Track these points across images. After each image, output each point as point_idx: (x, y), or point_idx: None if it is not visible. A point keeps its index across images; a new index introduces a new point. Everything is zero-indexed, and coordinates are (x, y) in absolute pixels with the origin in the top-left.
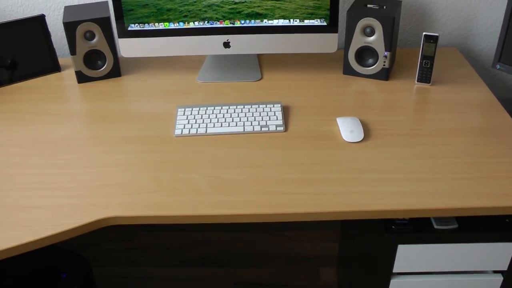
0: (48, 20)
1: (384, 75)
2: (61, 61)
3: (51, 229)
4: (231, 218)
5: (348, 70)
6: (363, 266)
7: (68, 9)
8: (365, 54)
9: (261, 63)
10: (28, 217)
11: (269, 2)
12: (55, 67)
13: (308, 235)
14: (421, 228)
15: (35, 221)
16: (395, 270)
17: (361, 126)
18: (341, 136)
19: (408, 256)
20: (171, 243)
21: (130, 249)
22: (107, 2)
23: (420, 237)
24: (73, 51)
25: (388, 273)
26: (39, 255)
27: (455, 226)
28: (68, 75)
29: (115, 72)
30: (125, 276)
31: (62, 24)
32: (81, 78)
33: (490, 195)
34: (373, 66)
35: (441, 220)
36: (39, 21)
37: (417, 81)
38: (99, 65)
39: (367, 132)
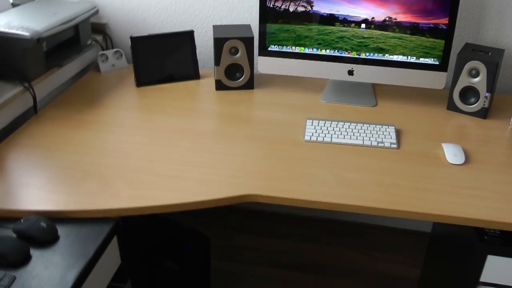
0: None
1: (483, 113)
2: (200, 71)
3: (198, 196)
4: (354, 208)
5: (451, 106)
6: (448, 277)
7: (216, 28)
8: (468, 93)
9: (375, 92)
10: (179, 184)
11: (392, 40)
12: (195, 75)
13: (392, 257)
14: None
15: (184, 187)
16: (482, 279)
17: (463, 152)
18: (446, 158)
19: (496, 267)
20: (265, 247)
21: (228, 246)
22: (249, 25)
23: (511, 250)
24: (217, 62)
25: (475, 282)
26: (169, 228)
27: None
28: (206, 83)
29: (250, 84)
30: (221, 269)
31: (203, 40)
32: (220, 86)
33: None
34: (474, 105)
35: None
36: (189, 35)
37: None
38: (237, 77)
39: (468, 157)
